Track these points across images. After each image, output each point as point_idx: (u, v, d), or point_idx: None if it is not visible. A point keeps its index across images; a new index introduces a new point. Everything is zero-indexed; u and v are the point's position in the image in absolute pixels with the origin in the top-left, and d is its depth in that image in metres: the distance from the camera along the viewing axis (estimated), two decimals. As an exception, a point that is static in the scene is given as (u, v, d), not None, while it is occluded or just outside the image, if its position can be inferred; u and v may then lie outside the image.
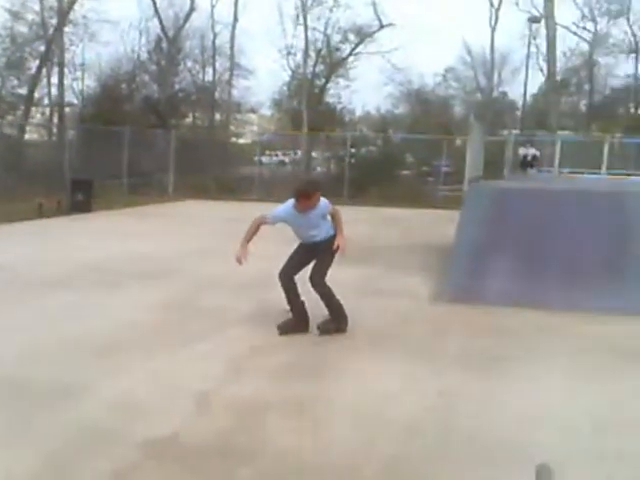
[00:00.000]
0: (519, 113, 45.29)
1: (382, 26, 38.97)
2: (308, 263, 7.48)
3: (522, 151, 22.18)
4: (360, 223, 18.79)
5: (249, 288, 9.65)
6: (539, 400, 5.56)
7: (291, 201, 7.11)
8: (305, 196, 6.93)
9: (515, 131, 30.04)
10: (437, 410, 5.28)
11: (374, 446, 4.61)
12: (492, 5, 41.34)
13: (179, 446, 4.51)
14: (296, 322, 7.41)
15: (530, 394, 5.70)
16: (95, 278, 10.14)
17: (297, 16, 38.09)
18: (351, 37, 39.51)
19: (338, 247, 7.22)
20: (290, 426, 4.89)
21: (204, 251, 13.02)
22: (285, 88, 41.58)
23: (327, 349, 6.83)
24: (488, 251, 10.05)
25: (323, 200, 7.15)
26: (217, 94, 40.89)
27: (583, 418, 5.17)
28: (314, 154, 36.92)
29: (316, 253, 7.40)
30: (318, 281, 7.34)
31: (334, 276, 10.51)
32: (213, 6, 39.47)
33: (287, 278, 7.39)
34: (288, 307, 7.47)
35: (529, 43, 38.70)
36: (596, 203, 10.69)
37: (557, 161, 22.20)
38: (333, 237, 7.31)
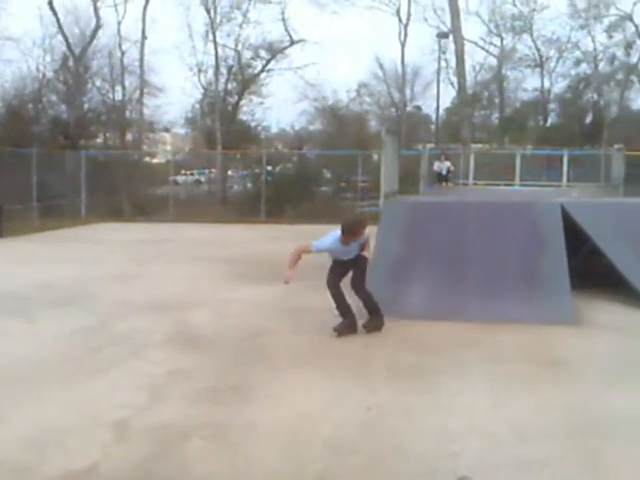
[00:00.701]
0: (433, 127, 46.13)
1: (293, 42, 39.15)
2: (346, 273, 8.52)
3: (437, 165, 22.56)
4: (278, 241, 18.82)
5: (167, 311, 9.55)
6: (463, 412, 5.67)
7: (337, 234, 8.13)
8: (354, 234, 8.02)
9: (430, 145, 30.53)
10: (365, 426, 5.32)
11: (301, 468, 4.62)
12: (401, 21, 42.14)
13: (99, 477, 4.44)
14: (348, 323, 8.34)
15: (455, 406, 5.81)
16: (6, 306, 9.89)
17: (207, 33, 37.97)
18: (262, 53, 39.63)
19: (365, 255, 8.44)
20: (211, 451, 4.86)
21: (119, 274, 12.83)
22: (198, 106, 41.45)
23: (248, 370, 6.80)
24: (406, 265, 10.20)
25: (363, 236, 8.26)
26: (128, 113, 40.38)
27: (507, 428, 5.29)
28: (230, 172, 36.85)
29: (349, 265, 8.46)
30: (360, 287, 8.45)
31: (254, 295, 10.56)
32: (119, 22, 38.67)
33: (335, 286, 8.42)
34: (337, 312, 8.43)
35: (439, 58, 39.62)
36: (510, 214, 10.99)
37: (472, 173, 22.68)
38: (360, 251, 8.39)
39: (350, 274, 8.53)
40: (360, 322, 8.47)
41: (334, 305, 8.44)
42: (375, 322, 8.52)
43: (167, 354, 7.41)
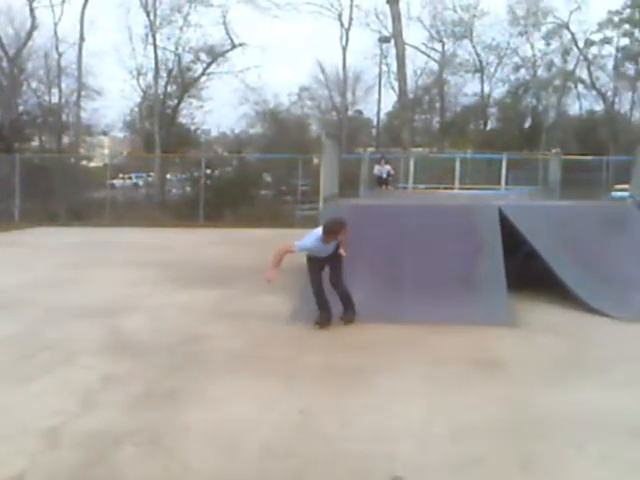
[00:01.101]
0: (374, 131, 46.47)
1: (234, 46, 39.08)
2: (324, 268, 9.15)
3: (377, 168, 22.70)
4: (216, 245, 18.78)
5: (101, 316, 9.40)
6: (399, 412, 5.72)
7: (318, 234, 8.78)
8: (336, 233, 8.74)
9: (370, 149, 30.73)
10: (299, 429, 5.34)
11: (236, 472, 4.61)
12: (342, 25, 42.46)
13: (25, 486, 4.36)
14: (327, 316, 8.99)
15: (390, 406, 5.86)
16: None
17: (146, 35, 37.62)
18: (203, 57, 39.47)
19: (342, 253, 9.12)
20: (145, 457, 4.82)
21: (52, 280, 12.59)
22: (137, 109, 41.03)
23: (184, 375, 6.75)
24: (345, 268, 10.23)
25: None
26: (65, 116, 39.80)
27: (442, 428, 5.36)
28: (169, 176, 36.54)
29: (326, 262, 9.10)
30: (339, 283, 9.14)
31: (190, 299, 10.49)
32: (56, 23, 38.12)
33: (318, 283, 9.03)
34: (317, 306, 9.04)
35: (380, 62, 40.01)
36: (449, 218, 11.13)
37: (412, 177, 22.88)
38: (337, 249, 9.07)
39: (327, 270, 9.18)
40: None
41: (315, 300, 9.02)
42: (349, 315, 9.13)
43: (101, 360, 7.30)
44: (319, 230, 8.81)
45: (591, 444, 5.04)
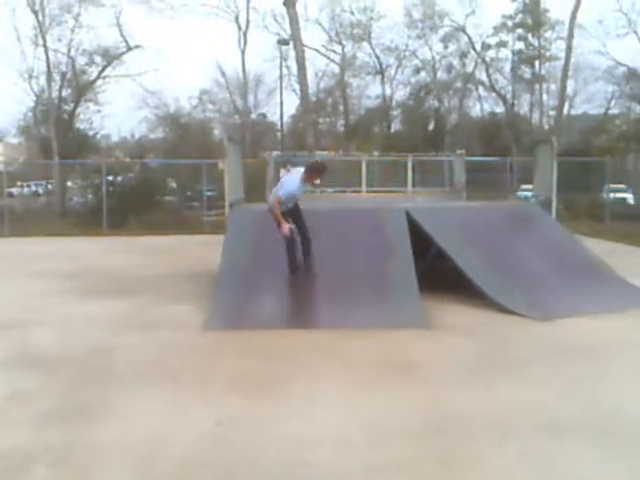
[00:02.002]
0: (279, 134, 46.53)
1: (130, 48, 38.16)
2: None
3: (283, 172, 22.71)
4: (122, 253, 18.49)
5: (3, 330, 9.13)
6: (316, 419, 5.74)
7: (299, 176, 9.87)
8: (319, 172, 10.17)
9: (276, 152, 30.76)
10: (216, 440, 5.29)
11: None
12: (240, 28, 42.34)
13: None
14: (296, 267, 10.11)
15: (307, 413, 5.87)
16: None
17: (35, 36, 35.97)
18: (98, 59, 38.28)
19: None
20: (57, 477, 4.70)
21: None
22: (30, 114, 39.84)
23: (94, 389, 6.60)
24: (255, 274, 10.23)
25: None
26: (-50, 122, 38.47)
27: (359, 433, 5.40)
28: (69, 183, 35.65)
29: (291, 215, 10.00)
30: (306, 231, 10.22)
31: (96, 310, 10.29)
32: None
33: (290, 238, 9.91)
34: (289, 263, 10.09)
35: (280, 65, 39.97)
36: (357, 221, 11.24)
37: (318, 181, 22.94)
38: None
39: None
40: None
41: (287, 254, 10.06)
42: (308, 261, 10.31)
43: (5, 376, 7.09)
44: (296, 174, 10.01)
45: (508, 442, 5.17)
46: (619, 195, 29.80)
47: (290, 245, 9.97)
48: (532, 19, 44.21)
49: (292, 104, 50.03)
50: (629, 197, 30.92)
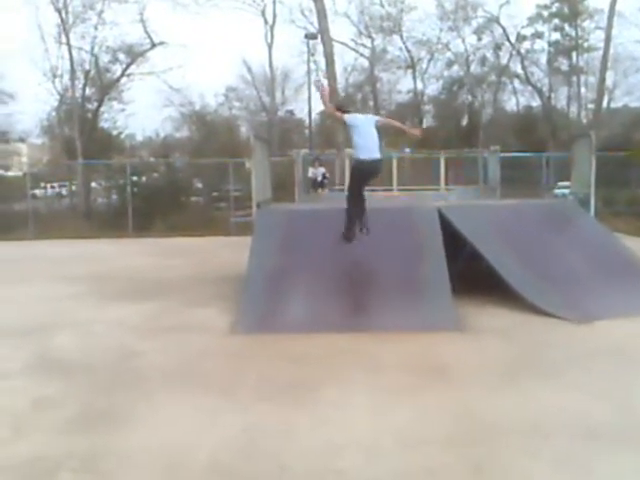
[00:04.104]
0: (307, 132, 46.56)
1: (154, 44, 38.47)
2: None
3: (311, 171, 22.72)
4: (148, 255, 18.62)
5: (27, 335, 9.22)
6: (344, 425, 5.75)
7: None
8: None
9: (304, 150, 30.76)
10: (243, 447, 5.32)
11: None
12: (266, 22, 42.43)
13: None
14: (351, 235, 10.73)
15: (335, 419, 5.88)
16: None
17: (59, 34, 36.50)
18: (121, 57, 38.72)
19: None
20: (82, 483, 4.76)
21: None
22: (54, 114, 40.21)
23: (119, 394, 6.67)
24: (282, 277, 10.24)
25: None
26: (-28, 121, 38.84)
27: (390, 439, 5.40)
28: (94, 184, 35.94)
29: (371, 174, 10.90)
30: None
31: (123, 314, 10.38)
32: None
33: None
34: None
35: (308, 60, 39.95)
36: (388, 220, 11.20)
37: (348, 179, 22.91)
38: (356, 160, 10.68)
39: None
40: None
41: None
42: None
43: (30, 382, 7.16)
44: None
45: (545, 450, 5.15)
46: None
47: (352, 210, 10.52)
48: (569, 8, 43.80)
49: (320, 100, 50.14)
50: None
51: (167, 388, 6.86)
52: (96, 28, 37.26)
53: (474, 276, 10.92)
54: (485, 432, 5.56)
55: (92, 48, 37.53)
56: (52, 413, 6.18)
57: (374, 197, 18.80)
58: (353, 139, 10.35)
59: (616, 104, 46.15)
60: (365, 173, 10.46)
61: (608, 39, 38.80)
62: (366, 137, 10.28)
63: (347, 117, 10.55)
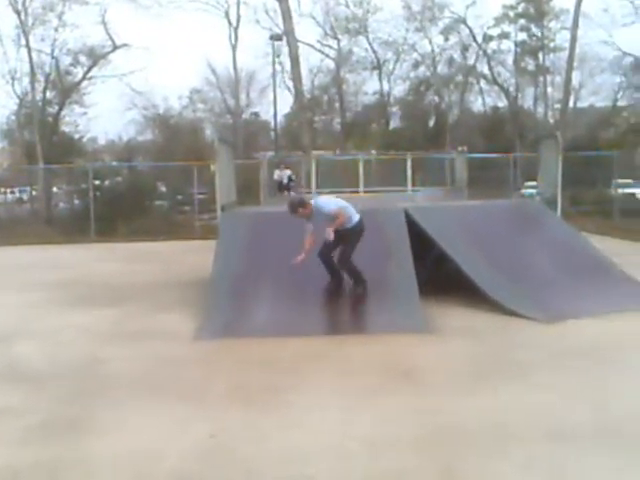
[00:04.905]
0: (273, 134, 46.54)
1: (116, 47, 38.24)
2: (336, 248, 10.04)
3: (277, 173, 22.78)
4: (111, 261, 18.51)
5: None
6: (313, 429, 5.75)
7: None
8: (295, 212, 9.93)
9: (269, 153, 30.78)
10: (210, 453, 5.30)
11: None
12: (230, 23, 42.34)
13: None
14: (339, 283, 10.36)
15: (304, 424, 5.89)
16: None
17: (18, 36, 36.02)
18: (83, 59, 38.39)
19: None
20: (46, 494, 4.72)
21: None
22: (14, 117, 39.80)
23: (85, 402, 6.61)
24: (248, 280, 10.24)
25: (319, 203, 10.07)
26: None
27: (359, 443, 5.41)
28: (55, 189, 35.66)
29: (339, 240, 9.91)
30: (340, 263, 10.11)
31: (87, 321, 10.29)
32: None
33: (325, 256, 10.06)
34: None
35: (273, 61, 39.99)
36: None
37: (314, 181, 23.01)
38: (352, 227, 10.12)
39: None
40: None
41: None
42: (359, 289, 10.19)
43: (-10, 391, 7.10)
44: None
45: (515, 451, 5.18)
46: (628, 190, 29.76)
47: (352, 265, 10.12)
48: (535, 8, 44.17)
49: (286, 102, 50.19)
50: (638, 192, 30.89)
51: (133, 396, 6.81)
52: (56, 30, 36.92)
53: (442, 277, 10.99)
54: (455, 434, 5.58)
55: (52, 50, 37.22)
56: (15, 423, 6.10)
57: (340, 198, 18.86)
58: (345, 214, 10.15)
59: (582, 104, 46.71)
60: (361, 233, 10.30)
61: (574, 39, 39.22)
62: (346, 205, 10.29)
63: (328, 204, 10.24)
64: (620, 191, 28.69)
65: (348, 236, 10.03)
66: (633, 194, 30.17)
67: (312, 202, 10.07)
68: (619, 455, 5.09)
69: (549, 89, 46.22)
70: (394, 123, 49.28)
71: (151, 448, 5.44)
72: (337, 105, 47.33)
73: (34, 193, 35.90)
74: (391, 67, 46.99)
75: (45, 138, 35.50)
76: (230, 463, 5.12)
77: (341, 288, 10.19)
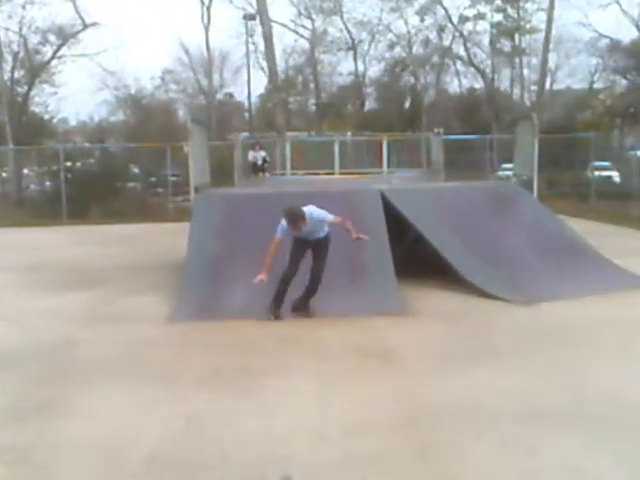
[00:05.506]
0: (247, 115, 46.36)
1: (86, 26, 37.87)
2: (304, 255, 9.15)
3: (251, 154, 22.66)
4: (83, 244, 18.41)
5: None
6: (290, 412, 5.78)
7: (283, 225, 8.84)
8: (294, 224, 8.72)
9: (244, 134, 30.63)
10: (184, 436, 5.30)
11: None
12: (203, 3, 42.16)
13: None
14: (279, 308, 9.10)
15: (279, 406, 5.91)
16: None
17: (-16, 14, 35.68)
18: (52, 38, 38.00)
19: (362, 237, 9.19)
20: (16, 477, 4.70)
21: None
22: (-19, 97, 39.34)
23: (55, 385, 6.60)
24: (222, 263, 10.21)
25: (316, 215, 8.94)
26: None
27: (335, 426, 5.45)
28: (26, 171, 35.33)
29: (312, 247, 9.15)
30: (318, 273, 9.11)
31: (57, 304, 10.24)
32: None
33: (292, 271, 9.04)
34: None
35: (247, 41, 39.82)
36: (329, 204, 11.18)
37: (289, 163, 22.96)
38: (325, 236, 9.23)
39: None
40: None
41: (277, 287, 9.07)
42: (298, 304, 9.23)
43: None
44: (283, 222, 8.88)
45: (489, 432, 5.24)
46: (604, 173, 29.92)
47: (286, 278, 9.09)
48: (511, -11, 44.22)
49: (260, 83, 50.09)
50: (615, 175, 31.09)
51: (105, 379, 6.80)
52: (24, 7, 36.48)
53: (418, 260, 11.03)
54: (430, 415, 5.63)
55: (20, 29, 36.82)
56: (-16, 406, 6.09)
57: (315, 180, 18.87)
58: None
59: (559, 86, 46.96)
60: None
61: (550, 20, 39.26)
62: None
63: (325, 214, 9.16)
64: (597, 174, 28.81)
65: (324, 245, 9.23)
66: (609, 177, 30.37)
67: (307, 213, 8.90)
68: (589, 435, 5.16)
69: (525, 71, 46.42)
70: (369, 104, 49.34)
71: (124, 431, 5.44)
72: (312, 86, 47.27)
73: (4, 175, 35.54)
74: (366, 48, 47.08)
75: (14, 118, 35.15)
76: (205, 445, 5.13)
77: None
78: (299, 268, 9.10)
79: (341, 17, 45.33)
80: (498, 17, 45.11)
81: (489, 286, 10.00)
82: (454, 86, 49.12)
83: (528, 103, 44.61)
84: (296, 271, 9.07)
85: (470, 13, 45.07)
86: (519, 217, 11.98)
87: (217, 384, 6.55)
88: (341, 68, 47.54)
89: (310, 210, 8.88)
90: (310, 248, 9.18)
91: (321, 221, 9.04)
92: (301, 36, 46.47)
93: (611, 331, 8.30)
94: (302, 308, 9.20)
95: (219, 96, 48.41)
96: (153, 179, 31.77)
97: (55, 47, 38.06)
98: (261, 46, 40.41)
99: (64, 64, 38.95)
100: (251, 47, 41.46)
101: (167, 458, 4.93)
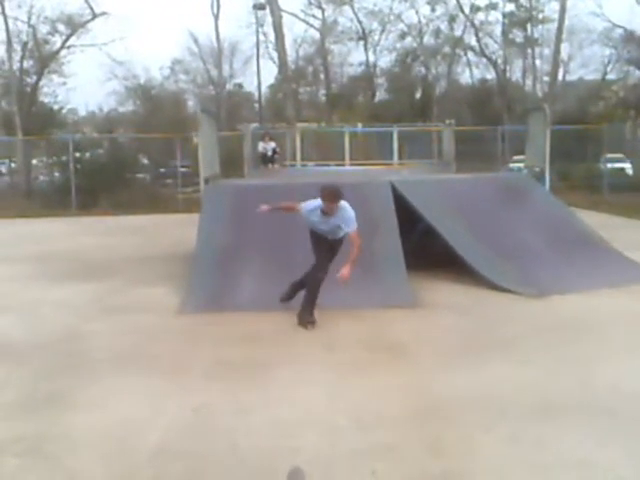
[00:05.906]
0: (257, 105, 46.32)
1: (95, 15, 37.90)
2: (330, 252, 8.59)
3: (261, 145, 22.65)
4: (93, 234, 18.46)
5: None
6: (300, 404, 5.79)
7: (318, 202, 8.23)
8: (329, 201, 8.11)
9: (254, 124, 30.61)
10: (194, 428, 5.33)
11: (129, 477, 4.57)
12: (213, -8, 42.05)
13: None
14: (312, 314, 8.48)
15: (290, 398, 5.92)
16: None
17: (-7, 3, 35.61)
18: (61, 28, 38.07)
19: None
20: (29, 467, 4.72)
21: None
22: (-10, 88, 39.45)
23: (65, 376, 6.62)
24: (232, 254, 10.22)
25: (348, 212, 8.30)
26: None
27: (345, 417, 5.45)
28: (35, 161, 35.41)
29: (330, 244, 8.57)
30: (322, 269, 8.46)
31: (68, 294, 10.27)
32: None
33: (323, 273, 8.43)
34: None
35: (257, 31, 39.74)
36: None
37: (299, 154, 22.95)
38: (342, 239, 8.51)
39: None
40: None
41: (308, 292, 8.56)
42: (286, 296, 8.98)
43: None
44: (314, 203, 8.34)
45: (500, 425, 5.24)
46: (617, 165, 29.77)
47: (318, 282, 8.51)
48: (523, -21, 44.03)
49: (270, 73, 50.08)
50: (627, 167, 30.93)
51: (114, 370, 6.83)
52: (33, -3, 36.46)
53: (429, 251, 11.02)
54: (441, 408, 5.63)
55: (29, 18, 36.88)
56: (-4, 397, 6.13)
57: (325, 171, 18.83)
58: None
59: (571, 77, 46.76)
60: None
61: (563, 10, 39.11)
62: None
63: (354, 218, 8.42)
64: (609, 166, 28.66)
65: (336, 248, 8.65)
66: (622, 169, 30.24)
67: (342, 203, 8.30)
68: (600, 429, 5.15)
69: (537, 61, 46.27)
70: (380, 95, 49.22)
71: (134, 423, 5.46)
72: (322, 76, 47.17)
73: (13, 165, 35.65)
74: (377, 38, 46.94)
75: (23, 109, 35.23)
76: (214, 437, 5.15)
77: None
78: (329, 268, 8.48)
79: (352, 7, 45.25)
80: (510, 7, 45.07)
81: (500, 278, 9.99)
82: (465, 77, 49.06)
83: (540, 94, 44.47)
84: (327, 271, 8.45)
85: (482, 3, 44.94)
86: (530, 209, 11.94)
87: (226, 375, 6.57)
88: (352, 58, 47.52)
89: (346, 205, 8.37)
90: (327, 247, 8.60)
91: (347, 219, 8.26)
92: (311, 26, 46.48)
93: (623, 324, 8.28)
94: (305, 315, 8.50)
95: (229, 86, 48.44)
96: (162, 170, 31.81)
97: (64, 37, 38.07)
98: (271, 36, 40.48)
99: (73, 54, 39.02)
100: (261, 37, 41.46)
101: (176, 449, 4.95)
